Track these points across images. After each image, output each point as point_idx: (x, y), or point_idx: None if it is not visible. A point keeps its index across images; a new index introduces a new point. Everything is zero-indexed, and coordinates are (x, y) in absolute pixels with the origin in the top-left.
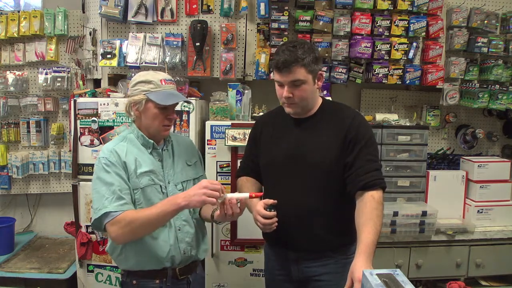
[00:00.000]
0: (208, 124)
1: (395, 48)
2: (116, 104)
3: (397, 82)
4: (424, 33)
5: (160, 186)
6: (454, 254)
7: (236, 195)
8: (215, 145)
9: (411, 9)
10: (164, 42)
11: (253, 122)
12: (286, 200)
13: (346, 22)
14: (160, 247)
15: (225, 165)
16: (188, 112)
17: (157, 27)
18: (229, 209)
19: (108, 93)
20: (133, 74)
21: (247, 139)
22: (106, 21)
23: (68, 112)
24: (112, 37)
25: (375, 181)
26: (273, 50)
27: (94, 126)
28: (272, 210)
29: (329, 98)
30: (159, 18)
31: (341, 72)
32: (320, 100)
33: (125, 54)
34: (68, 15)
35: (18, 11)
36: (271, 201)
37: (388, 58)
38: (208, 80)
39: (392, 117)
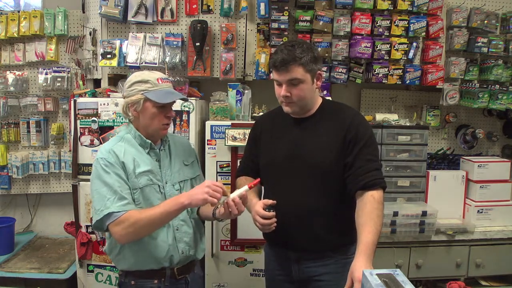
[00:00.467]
0: (208, 124)
1: (395, 48)
2: (116, 104)
3: (397, 82)
4: (424, 33)
5: (158, 186)
6: (454, 254)
7: (237, 192)
8: (215, 145)
9: (411, 9)
10: (164, 42)
11: (253, 122)
12: (286, 200)
13: (346, 22)
14: (159, 247)
15: (225, 165)
16: (188, 112)
17: (157, 27)
18: (235, 209)
19: (108, 93)
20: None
21: (247, 139)
22: (106, 21)
23: (68, 112)
24: (112, 37)
25: (375, 181)
26: (273, 50)
27: (94, 126)
28: (271, 210)
29: (329, 98)
30: (159, 18)
31: (341, 72)
32: (320, 100)
33: (125, 54)
34: (68, 15)
35: (18, 11)
36: (270, 201)
37: (388, 58)
38: (208, 80)
39: (392, 117)
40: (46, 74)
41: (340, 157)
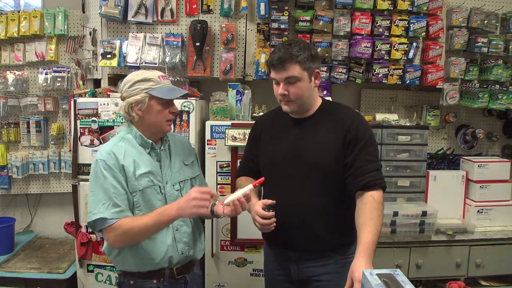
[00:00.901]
0: (208, 124)
1: (395, 48)
2: (116, 104)
3: (397, 82)
4: (424, 33)
5: (159, 186)
6: (454, 254)
7: (242, 191)
8: (215, 145)
9: (411, 9)
10: (164, 42)
11: (253, 122)
12: (286, 200)
13: (346, 22)
14: (158, 248)
15: (225, 165)
16: (188, 112)
17: (157, 27)
18: (239, 208)
19: (108, 93)
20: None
21: (247, 139)
22: (106, 21)
23: (68, 112)
24: (112, 37)
25: (375, 181)
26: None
27: (94, 126)
28: (271, 210)
29: (329, 98)
30: (159, 18)
31: (341, 72)
32: (319, 100)
33: (125, 54)
34: (68, 15)
35: (18, 11)
36: (269, 201)
37: (388, 58)
38: (208, 80)
39: (392, 117)
40: (46, 74)
41: (340, 157)
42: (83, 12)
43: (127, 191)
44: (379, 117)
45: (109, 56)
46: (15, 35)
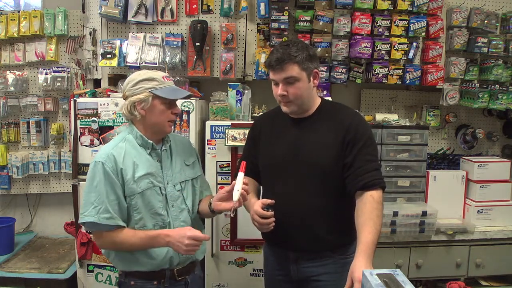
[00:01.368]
0: (208, 124)
1: (395, 48)
2: (116, 104)
3: (397, 82)
4: (424, 33)
5: (160, 187)
6: (454, 254)
7: (240, 182)
8: (215, 145)
9: (411, 9)
10: (164, 42)
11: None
12: (285, 200)
13: (346, 22)
14: (159, 249)
15: (225, 165)
16: (188, 112)
17: (157, 27)
18: (246, 196)
19: (108, 93)
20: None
21: (246, 139)
22: (106, 21)
23: (68, 112)
24: (112, 37)
25: (374, 181)
26: None
27: (94, 126)
28: (270, 210)
29: (329, 98)
30: (159, 18)
31: (341, 72)
32: (319, 100)
33: (125, 54)
34: (68, 15)
35: (18, 11)
36: (269, 201)
37: (388, 58)
38: (208, 80)
39: (392, 117)
40: (46, 74)
41: (339, 157)
42: (83, 12)
43: (120, 198)
44: (379, 117)
45: (109, 56)
46: (15, 35)
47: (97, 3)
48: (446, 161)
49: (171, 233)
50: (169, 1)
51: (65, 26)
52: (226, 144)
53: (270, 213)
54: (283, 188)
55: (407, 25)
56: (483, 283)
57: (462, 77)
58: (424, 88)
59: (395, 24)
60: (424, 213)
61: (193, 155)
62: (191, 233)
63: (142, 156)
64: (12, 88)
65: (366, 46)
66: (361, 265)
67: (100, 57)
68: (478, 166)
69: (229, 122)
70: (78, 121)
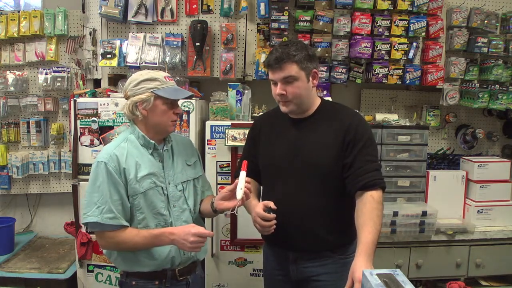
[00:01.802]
0: (208, 124)
1: (395, 48)
2: (116, 104)
3: (397, 82)
4: (424, 33)
5: (162, 188)
6: (454, 254)
7: (242, 181)
8: (215, 145)
9: (411, 9)
10: (164, 42)
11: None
12: (285, 200)
13: (346, 22)
14: (160, 249)
15: (225, 165)
16: (188, 112)
17: (157, 27)
18: (249, 194)
19: (108, 93)
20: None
21: (245, 139)
22: (106, 21)
23: (68, 112)
24: (112, 37)
25: (374, 181)
26: None
27: (94, 126)
28: (271, 212)
29: (329, 98)
30: (159, 18)
31: (341, 72)
32: (319, 101)
33: (125, 54)
34: (68, 15)
35: (18, 11)
36: (271, 203)
37: (388, 58)
38: (208, 80)
39: (392, 117)
40: (46, 74)
41: (339, 157)
42: (83, 12)
43: (123, 198)
44: (379, 117)
45: (109, 56)
46: (15, 35)
47: (97, 3)
48: (446, 161)
49: (175, 231)
50: (169, 1)
51: (65, 26)
52: (226, 144)
53: (272, 215)
54: (283, 188)
55: (407, 25)
56: (483, 283)
57: (462, 77)
58: (424, 88)
59: (395, 24)
60: (424, 213)
61: (194, 155)
62: (196, 230)
63: (144, 156)
64: (12, 88)
65: (366, 46)
66: (361, 265)
67: (100, 57)
68: (478, 166)
69: (229, 122)
70: (78, 121)
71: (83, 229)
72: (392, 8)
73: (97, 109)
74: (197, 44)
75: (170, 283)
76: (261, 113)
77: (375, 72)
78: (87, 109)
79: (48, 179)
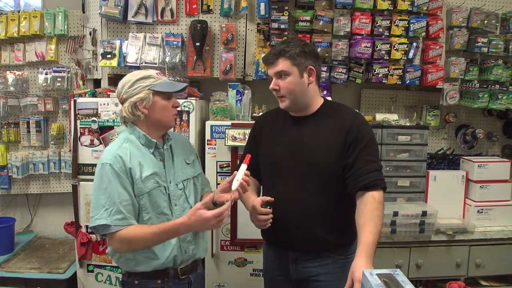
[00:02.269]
0: (208, 124)
1: (395, 48)
2: (116, 104)
3: (397, 82)
4: (424, 33)
5: (164, 187)
6: (454, 254)
7: (241, 173)
8: (215, 145)
9: (411, 9)
10: (164, 42)
11: (253, 122)
12: (286, 199)
13: (346, 22)
14: (163, 248)
15: (225, 165)
16: (188, 112)
17: (157, 27)
18: (246, 187)
19: (108, 93)
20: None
21: (247, 138)
22: (106, 21)
23: (68, 112)
24: (112, 37)
25: (375, 181)
26: None
27: (94, 126)
28: (268, 207)
29: (329, 98)
30: (159, 18)
31: (341, 72)
32: (321, 100)
33: (125, 54)
34: (68, 15)
35: (18, 11)
36: (268, 198)
37: (388, 58)
38: (208, 80)
39: (392, 117)
40: (46, 74)
41: (340, 157)
42: (83, 12)
43: (132, 197)
44: (379, 117)
45: (109, 56)
46: (15, 35)
47: (97, 3)
48: (446, 161)
49: (186, 222)
50: (169, 1)
51: (65, 26)
52: (226, 144)
53: (268, 210)
54: (283, 188)
55: (407, 25)
56: (483, 283)
57: (462, 77)
58: (424, 88)
59: (395, 24)
60: (424, 213)
61: (192, 154)
62: (211, 214)
63: (146, 156)
64: (12, 88)
65: (366, 46)
66: (361, 265)
67: (100, 57)
68: (478, 166)
69: (229, 122)
70: (78, 121)
71: (83, 229)
72: (392, 8)
73: (97, 109)
74: (197, 44)
75: (172, 282)
76: (261, 113)
77: (375, 72)
78: (87, 109)
79: (48, 179)
